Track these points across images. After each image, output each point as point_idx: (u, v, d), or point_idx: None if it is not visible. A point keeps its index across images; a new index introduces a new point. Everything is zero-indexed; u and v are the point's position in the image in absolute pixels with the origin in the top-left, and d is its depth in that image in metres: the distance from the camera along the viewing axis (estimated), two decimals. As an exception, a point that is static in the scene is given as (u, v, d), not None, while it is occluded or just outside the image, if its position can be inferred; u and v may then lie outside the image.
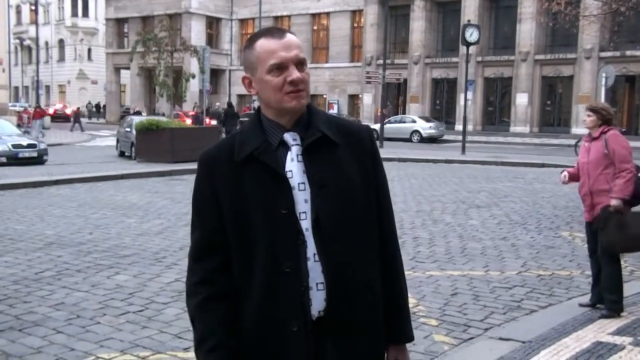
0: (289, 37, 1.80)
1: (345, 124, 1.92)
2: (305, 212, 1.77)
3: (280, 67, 1.76)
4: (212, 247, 1.83)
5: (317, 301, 1.77)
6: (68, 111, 52.16)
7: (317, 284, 1.77)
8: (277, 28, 1.85)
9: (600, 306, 5.39)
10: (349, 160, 1.84)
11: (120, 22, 52.70)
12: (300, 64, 1.79)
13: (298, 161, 1.79)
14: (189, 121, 30.19)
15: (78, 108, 44.40)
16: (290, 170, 1.78)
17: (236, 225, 1.80)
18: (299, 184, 1.78)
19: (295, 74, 1.77)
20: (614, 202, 5.21)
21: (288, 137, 1.81)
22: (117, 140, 24.03)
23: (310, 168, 1.79)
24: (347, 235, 1.80)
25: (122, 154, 22.69)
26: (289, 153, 1.80)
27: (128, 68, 48.35)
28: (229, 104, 30.57)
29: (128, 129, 22.25)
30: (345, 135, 1.86)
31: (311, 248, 1.77)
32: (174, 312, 5.42)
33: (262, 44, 1.79)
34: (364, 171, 1.87)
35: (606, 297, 5.35)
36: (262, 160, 1.78)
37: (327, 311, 1.77)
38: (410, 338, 1.96)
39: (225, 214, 1.80)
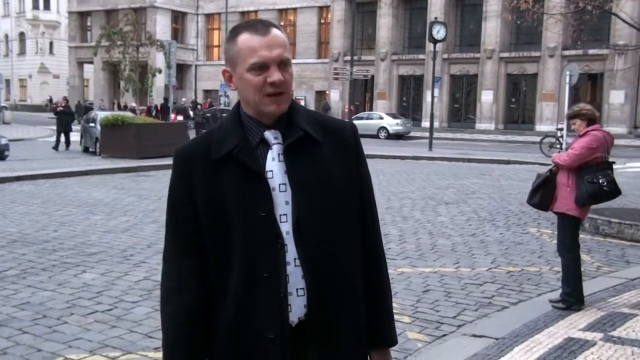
0: (274, 34, 1.69)
1: (328, 120, 1.84)
2: (285, 215, 1.68)
3: (261, 67, 1.67)
4: (187, 250, 1.75)
5: (297, 307, 1.69)
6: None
7: (297, 289, 1.69)
8: (262, 22, 1.73)
9: (575, 307, 5.44)
10: (332, 159, 1.75)
11: (83, 15, 51.73)
12: (283, 63, 1.69)
13: (279, 161, 1.70)
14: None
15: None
16: (271, 170, 1.69)
17: (212, 227, 1.71)
18: (279, 184, 1.69)
19: (276, 75, 1.67)
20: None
21: (269, 135, 1.72)
22: (81, 136, 23.59)
23: (291, 168, 1.70)
24: (329, 239, 1.72)
25: (86, 150, 22.30)
26: (270, 152, 1.71)
27: (91, 62, 47.55)
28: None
29: (92, 124, 21.87)
30: (328, 132, 1.78)
31: (291, 252, 1.68)
32: (143, 311, 5.32)
33: (244, 39, 1.68)
34: (348, 170, 1.79)
35: (562, 288, 5.53)
36: (240, 160, 1.69)
37: (308, 317, 1.70)
38: (394, 342, 1.89)
39: (201, 215, 1.71)
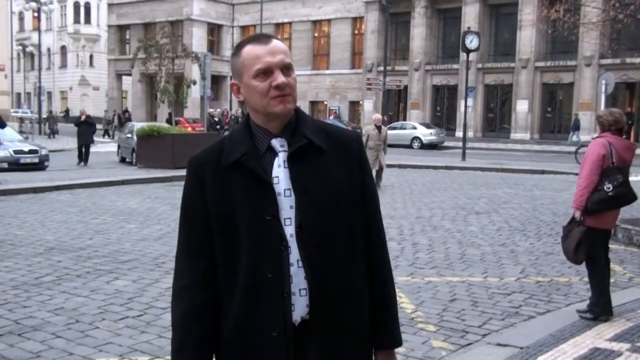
0: (274, 42, 1.82)
1: (334, 130, 1.93)
2: (290, 218, 1.79)
3: (265, 72, 1.78)
4: (199, 250, 1.86)
5: (300, 307, 1.78)
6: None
7: (300, 289, 1.78)
8: (263, 34, 1.87)
9: (602, 317, 5.38)
10: (336, 167, 1.85)
11: (122, 28, 52.83)
12: (286, 68, 1.80)
13: (284, 167, 1.81)
14: (189, 129, 30.16)
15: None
16: (277, 177, 1.80)
17: (221, 229, 1.82)
18: (284, 190, 1.79)
19: (280, 78, 1.78)
20: (575, 213, 5.45)
21: (275, 143, 1.83)
22: (118, 147, 24.08)
23: (295, 174, 1.80)
24: (330, 242, 1.81)
25: (123, 160, 22.73)
26: (276, 159, 1.82)
27: (129, 74, 48.52)
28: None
29: (129, 135, 22.29)
30: (332, 141, 1.87)
31: (295, 254, 1.78)
32: (172, 317, 5.42)
33: (248, 50, 1.81)
34: (351, 178, 1.87)
35: (589, 298, 5.49)
36: (248, 166, 1.79)
37: (310, 316, 1.79)
38: (399, 343, 1.95)
39: (212, 217, 1.82)
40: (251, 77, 1.80)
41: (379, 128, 14.57)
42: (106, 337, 4.97)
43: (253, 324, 1.79)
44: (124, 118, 42.00)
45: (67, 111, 56.91)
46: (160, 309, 5.69)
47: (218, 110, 40.82)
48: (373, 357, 1.94)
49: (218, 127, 33.98)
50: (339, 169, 1.85)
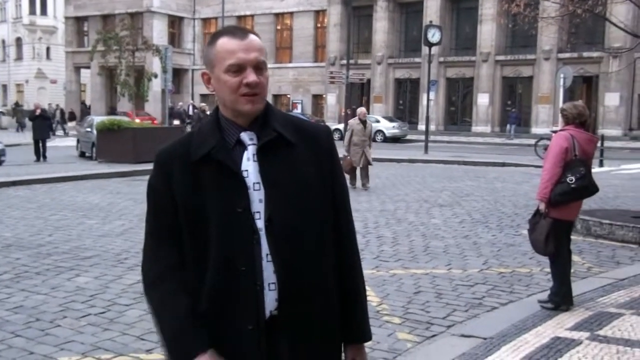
0: (250, 38, 1.79)
1: (303, 123, 1.92)
2: (259, 212, 1.77)
3: (238, 69, 1.76)
4: (169, 241, 1.83)
5: (270, 301, 1.77)
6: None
7: (269, 283, 1.77)
8: (241, 28, 1.84)
9: (563, 307, 5.48)
10: (305, 161, 1.83)
11: (80, 20, 51.77)
12: (258, 67, 1.78)
13: (254, 161, 1.79)
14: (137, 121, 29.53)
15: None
16: (247, 170, 1.78)
17: (190, 223, 1.79)
18: (254, 183, 1.78)
19: (252, 77, 1.76)
20: (539, 205, 5.54)
21: (245, 136, 1.81)
22: (78, 141, 23.63)
23: (264, 168, 1.79)
24: (299, 236, 1.79)
25: (82, 155, 22.34)
26: (245, 152, 1.80)
27: (88, 67, 47.61)
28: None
29: (89, 129, 21.91)
30: (302, 135, 1.86)
31: (264, 248, 1.77)
32: (136, 314, 5.36)
33: (223, 42, 1.78)
34: (321, 172, 1.86)
35: (551, 288, 5.61)
36: (218, 159, 1.77)
37: (279, 311, 1.78)
38: (368, 337, 1.96)
39: (180, 211, 1.80)
40: (222, 71, 1.78)
41: (363, 122, 13.58)
42: (68, 335, 4.88)
43: (226, 318, 1.77)
44: (69, 113, 41.13)
45: (16, 104, 55.28)
46: (123, 305, 5.61)
47: (181, 103, 40.33)
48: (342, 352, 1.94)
49: (188, 121, 33.39)
50: (308, 163, 1.84)
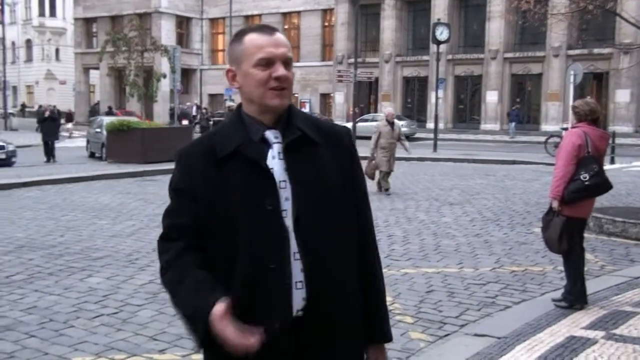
0: (278, 35, 1.81)
1: (325, 124, 1.93)
2: (286, 210, 1.76)
3: (267, 63, 1.76)
4: (185, 236, 1.81)
5: (297, 300, 1.76)
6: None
7: (296, 282, 1.76)
8: (267, 26, 1.84)
9: (577, 306, 5.44)
10: (328, 160, 1.84)
11: (88, 21, 51.91)
12: (286, 63, 1.79)
13: (279, 159, 1.78)
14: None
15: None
16: (272, 168, 1.77)
17: (217, 221, 1.77)
18: (280, 181, 1.77)
19: (281, 70, 1.77)
20: (552, 203, 5.48)
21: (270, 134, 1.80)
22: (87, 141, 23.73)
23: (291, 166, 1.78)
24: (327, 235, 1.79)
25: (92, 155, 22.42)
26: (270, 151, 1.79)
27: (97, 68, 47.79)
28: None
29: (98, 130, 21.98)
30: (324, 135, 1.87)
31: (293, 246, 1.76)
32: (148, 314, 5.36)
33: (252, 38, 1.79)
34: (343, 171, 1.87)
35: (564, 287, 5.56)
36: (247, 156, 1.76)
37: (306, 310, 1.76)
38: (389, 338, 1.96)
39: (204, 210, 1.77)
40: (251, 65, 1.78)
41: (391, 124, 12.76)
42: (81, 335, 4.89)
43: (254, 315, 1.74)
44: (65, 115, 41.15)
45: (23, 106, 55.32)
46: (135, 306, 5.62)
47: (188, 104, 40.39)
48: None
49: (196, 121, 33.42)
50: (331, 162, 1.84)
